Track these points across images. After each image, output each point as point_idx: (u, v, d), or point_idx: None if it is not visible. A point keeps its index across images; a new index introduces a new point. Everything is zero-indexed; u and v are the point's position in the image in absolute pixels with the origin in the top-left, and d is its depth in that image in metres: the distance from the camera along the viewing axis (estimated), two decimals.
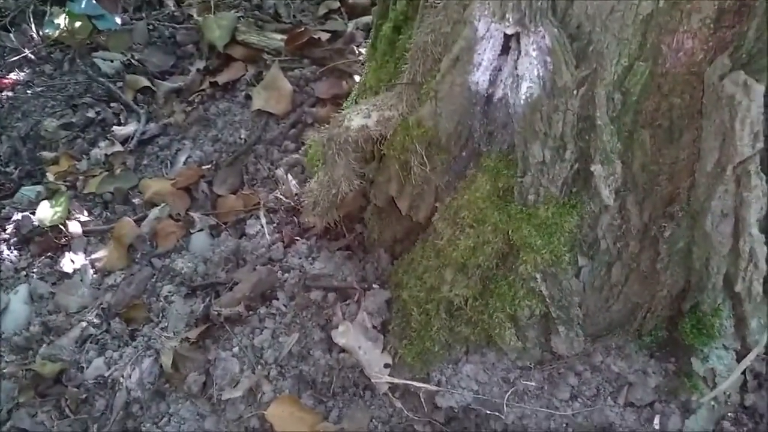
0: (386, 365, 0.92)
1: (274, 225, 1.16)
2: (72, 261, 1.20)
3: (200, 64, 1.47)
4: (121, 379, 1.00)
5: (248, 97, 1.37)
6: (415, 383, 0.89)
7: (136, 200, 1.27)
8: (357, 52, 1.37)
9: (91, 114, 1.48)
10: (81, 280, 1.17)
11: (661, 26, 0.62)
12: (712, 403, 0.81)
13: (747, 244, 0.68)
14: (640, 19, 0.61)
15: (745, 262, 0.70)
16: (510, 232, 0.78)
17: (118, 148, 1.37)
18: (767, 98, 0.60)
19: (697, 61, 0.63)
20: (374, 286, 1.00)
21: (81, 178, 1.34)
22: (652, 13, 0.61)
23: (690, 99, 0.65)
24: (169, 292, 1.10)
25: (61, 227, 1.23)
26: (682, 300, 0.79)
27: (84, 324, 1.10)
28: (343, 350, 0.95)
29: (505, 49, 0.71)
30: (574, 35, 0.65)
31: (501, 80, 0.73)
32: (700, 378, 0.80)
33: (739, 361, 0.79)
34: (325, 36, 1.41)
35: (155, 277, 1.13)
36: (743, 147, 0.61)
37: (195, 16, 1.56)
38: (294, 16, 1.55)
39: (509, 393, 0.86)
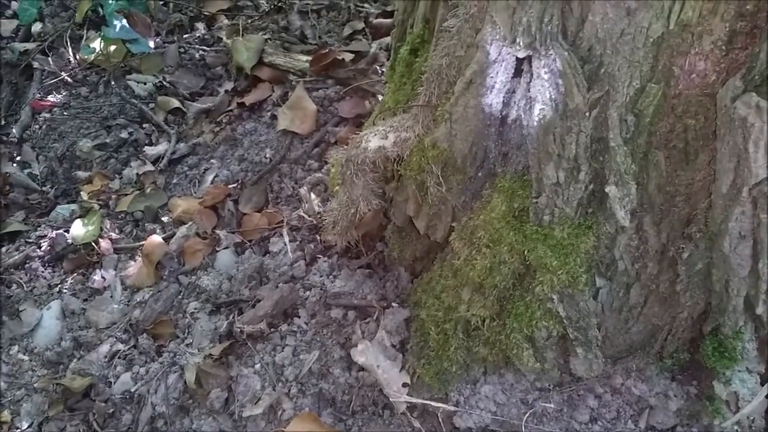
0: (404, 384, 0.92)
1: (297, 243, 1.18)
2: (103, 278, 1.24)
3: (228, 86, 1.51)
4: (147, 395, 1.03)
5: (274, 117, 1.40)
6: (433, 403, 0.89)
7: (165, 218, 1.31)
8: (380, 72, 1.39)
9: (124, 135, 1.52)
10: (111, 297, 1.20)
11: (673, 48, 0.62)
12: (736, 427, 0.78)
13: (766, 266, 0.67)
14: (651, 42, 0.61)
15: (766, 284, 0.69)
16: (526, 252, 0.78)
17: (149, 167, 1.41)
18: None
19: (709, 82, 0.62)
20: (393, 304, 1.01)
21: (113, 196, 1.38)
22: (663, 36, 0.61)
23: (704, 120, 0.65)
24: (195, 308, 1.13)
25: (93, 245, 1.27)
26: (702, 322, 0.77)
27: (113, 339, 1.13)
28: (362, 369, 0.96)
29: (517, 72, 0.71)
30: (585, 58, 0.66)
31: (514, 102, 0.74)
32: (722, 402, 0.78)
33: (763, 384, 0.77)
34: (349, 57, 1.44)
35: (182, 294, 1.16)
36: (758, 169, 0.60)
37: (224, 38, 1.61)
38: (320, 37, 1.58)
39: (528, 414, 0.86)
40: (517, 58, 0.69)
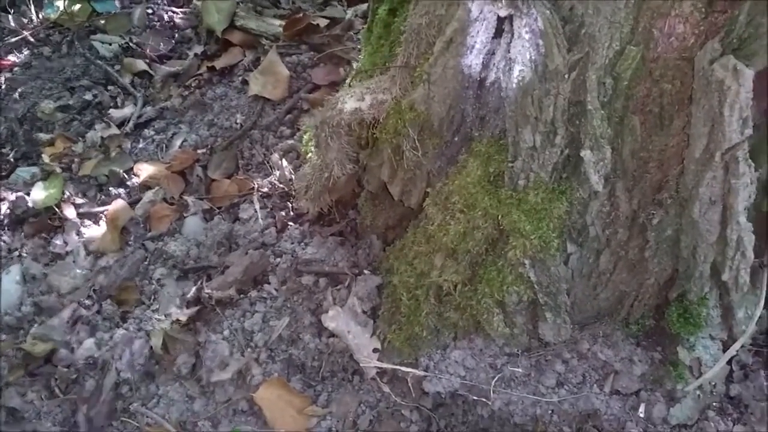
0: (375, 350, 0.92)
1: (268, 210, 1.16)
2: (65, 242, 1.20)
3: (198, 49, 1.47)
4: (112, 360, 1.00)
5: (245, 83, 1.37)
6: (403, 368, 0.89)
7: (130, 183, 1.27)
8: (355, 39, 1.37)
9: (88, 97, 1.47)
10: (74, 262, 1.17)
11: (653, 10, 0.61)
12: (698, 392, 0.81)
13: (734, 232, 0.68)
14: (633, 3, 0.61)
15: (733, 250, 0.70)
16: (500, 217, 0.78)
17: (114, 131, 1.37)
18: (756, 84, 0.60)
19: (688, 46, 0.62)
20: (365, 271, 1.00)
21: (76, 160, 1.34)
22: None
23: (681, 85, 0.65)
24: (162, 274, 1.11)
25: (55, 209, 1.23)
26: (669, 288, 0.78)
27: (75, 305, 1.10)
28: (332, 335, 0.95)
29: (498, 32, 0.70)
30: (566, 18, 0.65)
31: (494, 64, 0.73)
32: (685, 367, 0.80)
33: (725, 351, 0.79)
34: (323, 22, 1.41)
35: (148, 259, 1.14)
36: (732, 133, 0.61)
37: (195, 0, 1.56)
38: (293, 2, 1.55)
39: (496, 379, 0.86)
40: (499, 17, 0.68)
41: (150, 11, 1.58)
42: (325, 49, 1.36)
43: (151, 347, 0.99)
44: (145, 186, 1.25)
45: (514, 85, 0.71)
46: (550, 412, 0.84)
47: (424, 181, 0.87)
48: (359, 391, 0.92)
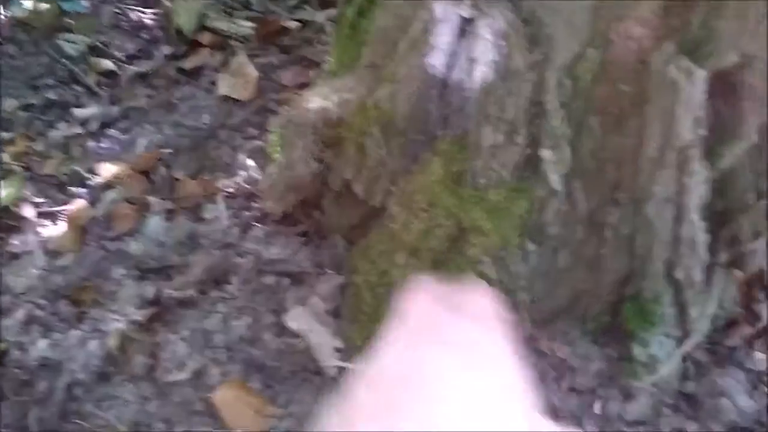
0: (336, 349, 0.91)
1: (233, 210, 1.15)
2: (23, 242, 1.17)
3: (167, 49, 1.45)
4: (65, 361, 0.98)
5: (213, 83, 1.36)
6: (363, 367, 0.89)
7: (92, 183, 1.25)
8: (326, 41, 1.37)
9: (51, 96, 1.45)
10: (31, 262, 1.14)
11: (611, 14, 0.63)
12: (652, 389, 0.82)
13: (688, 231, 0.70)
14: (590, 5, 0.63)
15: (686, 249, 0.72)
16: (461, 215, 0.78)
17: (78, 130, 1.34)
18: (710, 85, 0.61)
19: (645, 48, 0.64)
20: (328, 271, 1.00)
21: (37, 159, 1.31)
22: (602, 1, 0.62)
23: (638, 87, 0.67)
24: (121, 274, 1.08)
25: (14, 208, 1.20)
26: (625, 287, 0.80)
27: (30, 305, 1.07)
28: (294, 335, 0.95)
29: (461, 33, 0.71)
30: (527, 19, 0.67)
31: (458, 64, 0.74)
32: (640, 364, 0.81)
33: (679, 348, 0.81)
34: (294, 25, 1.41)
35: (107, 259, 1.11)
36: (685, 132, 0.63)
37: (164, 0, 1.55)
38: (265, 5, 1.55)
39: None
40: (462, 18, 0.70)
41: (118, 11, 1.57)
42: (296, 51, 1.36)
43: (107, 348, 0.97)
44: (107, 186, 1.23)
45: (476, 85, 0.72)
46: None
47: (388, 179, 0.88)
48: (320, 390, 0.91)
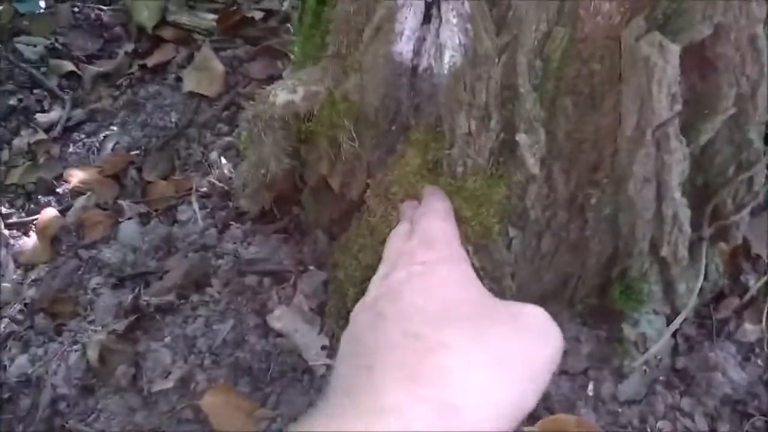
0: (323, 347, 0.90)
1: (208, 210, 1.12)
2: None
3: (129, 47, 1.41)
4: (47, 376, 0.95)
5: (179, 80, 1.32)
6: None
7: (60, 190, 1.22)
8: (292, 31, 1.34)
9: (12, 102, 1.40)
10: (2, 275, 1.11)
11: None
12: (644, 367, 0.81)
13: (670, 208, 0.69)
14: None
15: (669, 226, 0.70)
16: None
17: (42, 136, 1.30)
18: (684, 59, 0.60)
19: (614, 24, 0.62)
20: (311, 268, 0.98)
21: (2, 168, 1.27)
22: None
23: (609, 64, 0.65)
24: (97, 284, 1.06)
25: None
26: (611, 267, 0.79)
27: (6, 321, 1.04)
28: (279, 335, 0.93)
29: (427, 18, 0.69)
30: (493, 1, 0.64)
31: (425, 50, 0.71)
32: (631, 343, 0.80)
33: (669, 325, 0.80)
34: (259, 15, 1.37)
35: (82, 269, 1.08)
36: (661, 109, 0.61)
37: None
38: None
39: None
40: (426, 2, 0.67)
41: (76, 10, 1.52)
42: (261, 42, 1.32)
43: (88, 360, 0.95)
44: (77, 192, 1.20)
45: (445, 71, 0.69)
46: None
47: (363, 172, 0.85)
48: (310, 390, 0.90)
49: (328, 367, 0.89)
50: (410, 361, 0.42)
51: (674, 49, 0.59)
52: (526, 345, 0.45)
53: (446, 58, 0.68)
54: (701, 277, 0.81)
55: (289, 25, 1.37)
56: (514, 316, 0.47)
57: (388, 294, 0.50)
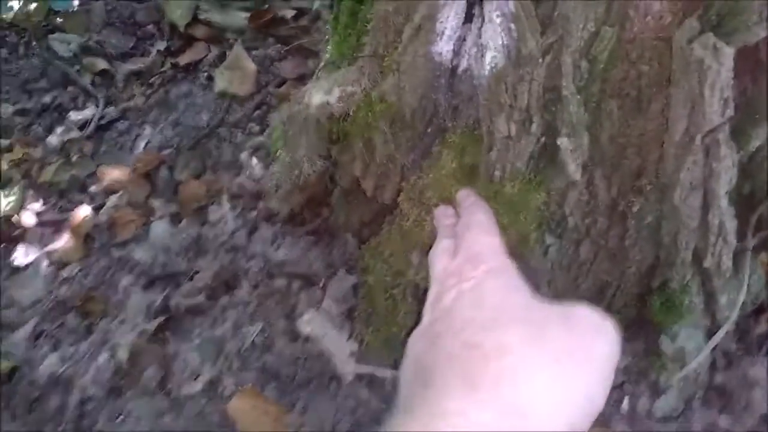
0: (352, 353, 0.89)
1: (238, 211, 1.11)
2: (25, 253, 1.14)
3: (161, 45, 1.42)
4: (76, 376, 0.96)
5: (211, 79, 1.32)
6: (381, 371, 0.86)
7: (93, 188, 1.22)
8: (323, 30, 1.33)
9: (47, 99, 1.42)
10: (35, 273, 1.12)
11: None
12: (682, 383, 0.79)
13: (716, 217, 0.66)
14: None
15: (714, 236, 0.68)
16: None
17: (75, 134, 1.31)
18: (737, 62, 0.57)
19: (665, 25, 0.60)
20: (340, 271, 0.97)
21: (36, 166, 1.28)
22: None
23: (659, 66, 0.62)
24: (128, 283, 1.06)
25: (15, 218, 1.17)
26: (651, 277, 0.76)
27: (38, 319, 1.05)
28: (308, 339, 0.92)
29: (468, 17, 0.67)
30: None
31: (465, 51, 0.70)
32: (668, 358, 0.77)
33: (708, 338, 0.77)
34: (290, 14, 1.37)
35: (113, 268, 1.09)
36: (712, 114, 0.58)
37: None
38: None
39: None
40: (468, 1, 0.65)
41: (109, 7, 1.53)
42: (293, 41, 1.32)
43: (118, 361, 0.95)
44: (109, 190, 1.20)
45: (486, 72, 0.67)
46: None
47: (397, 175, 0.84)
48: (337, 396, 0.89)
49: (357, 374, 0.88)
50: (468, 369, 0.41)
51: (728, 52, 0.56)
52: (583, 341, 0.44)
53: (488, 59, 0.67)
54: (744, 290, 0.78)
55: (319, 23, 1.37)
56: (567, 315, 0.47)
57: (441, 317, 0.50)
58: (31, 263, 1.13)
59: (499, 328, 0.45)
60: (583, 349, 0.44)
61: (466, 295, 0.51)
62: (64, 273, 1.10)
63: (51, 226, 1.18)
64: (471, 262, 0.55)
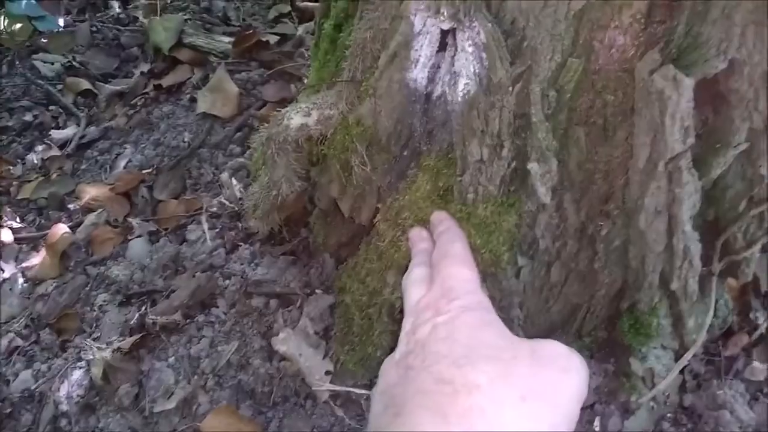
0: (327, 372, 0.89)
1: (217, 231, 1.12)
2: (1, 270, 1.14)
3: (145, 67, 1.43)
4: (49, 392, 0.95)
5: (193, 100, 1.34)
6: (356, 390, 0.87)
7: (72, 206, 1.22)
8: (306, 56, 1.36)
9: (28, 117, 1.42)
10: (10, 289, 1.11)
11: (593, 22, 0.62)
12: (651, 403, 0.80)
13: (681, 241, 0.68)
14: (573, 15, 0.61)
15: (680, 260, 0.70)
16: None
17: (56, 152, 1.32)
18: (697, 93, 0.60)
19: (628, 57, 0.63)
20: (317, 291, 0.98)
21: (15, 183, 1.28)
22: (584, 9, 0.60)
23: (623, 96, 0.65)
24: (104, 300, 1.06)
25: None
26: (620, 299, 0.78)
27: (12, 335, 1.04)
28: (283, 358, 0.92)
29: (442, 46, 0.70)
30: (508, 31, 0.65)
31: (439, 77, 0.72)
32: (638, 378, 0.79)
33: (677, 360, 0.79)
34: (273, 39, 1.39)
35: (89, 285, 1.08)
36: (674, 142, 0.61)
37: (141, 18, 1.53)
38: (243, 20, 1.53)
39: None
40: (442, 30, 0.68)
41: (94, 29, 1.54)
42: (276, 65, 1.34)
43: (91, 378, 0.94)
44: (88, 209, 1.20)
45: (459, 99, 0.70)
46: None
47: (374, 197, 0.86)
48: (312, 415, 0.89)
49: (332, 394, 0.88)
50: (439, 403, 0.43)
51: (688, 83, 0.59)
52: (550, 379, 0.46)
53: (460, 86, 0.69)
54: (711, 313, 0.80)
55: (302, 49, 1.39)
56: (537, 353, 0.49)
57: (415, 350, 0.52)
58: (7, 279, 1.12)
59: (468, 365, 0.46)
60: (550, 386, 0.46)
61: (439, 330, 0.53)
62: (40, 290, 1.10)
63: (28, 242, 1.18)
64: (446, 296, 0.57)
